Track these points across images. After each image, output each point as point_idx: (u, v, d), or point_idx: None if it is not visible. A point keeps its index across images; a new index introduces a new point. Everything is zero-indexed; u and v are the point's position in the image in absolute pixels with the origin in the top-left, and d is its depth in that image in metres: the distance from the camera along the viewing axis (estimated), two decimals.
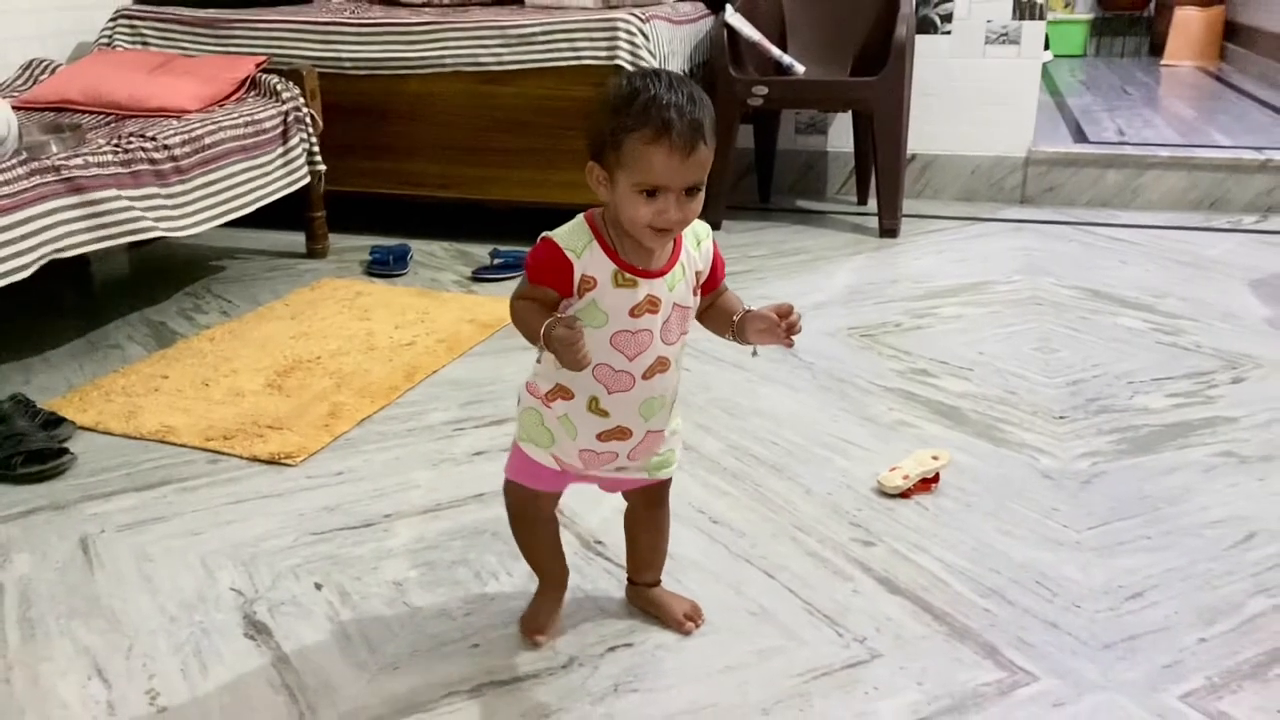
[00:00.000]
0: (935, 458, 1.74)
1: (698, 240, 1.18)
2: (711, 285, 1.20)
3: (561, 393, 1.18)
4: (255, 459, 1.82)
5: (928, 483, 1.71)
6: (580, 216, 1.14)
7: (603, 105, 1.08)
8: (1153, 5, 6.44)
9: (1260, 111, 4.35)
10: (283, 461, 1.80)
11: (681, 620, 1.35)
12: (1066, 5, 6.53)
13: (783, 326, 1.15)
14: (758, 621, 1.38)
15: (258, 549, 1.56)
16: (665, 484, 1.32)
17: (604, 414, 1.17)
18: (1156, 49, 6.25)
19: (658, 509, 1.34)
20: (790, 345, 1.16)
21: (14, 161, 2.03)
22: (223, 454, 1.84)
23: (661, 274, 1.13)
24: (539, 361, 1.20)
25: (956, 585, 1.46)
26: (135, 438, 1.90)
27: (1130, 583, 1.46)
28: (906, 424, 1.95)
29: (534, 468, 1.24)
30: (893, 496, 1.68)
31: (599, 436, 1.19)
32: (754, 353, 1.24)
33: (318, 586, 1.47)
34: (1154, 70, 5.80)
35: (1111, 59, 6.46)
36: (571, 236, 1.12)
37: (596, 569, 1.49)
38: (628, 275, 1.11)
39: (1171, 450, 1.84)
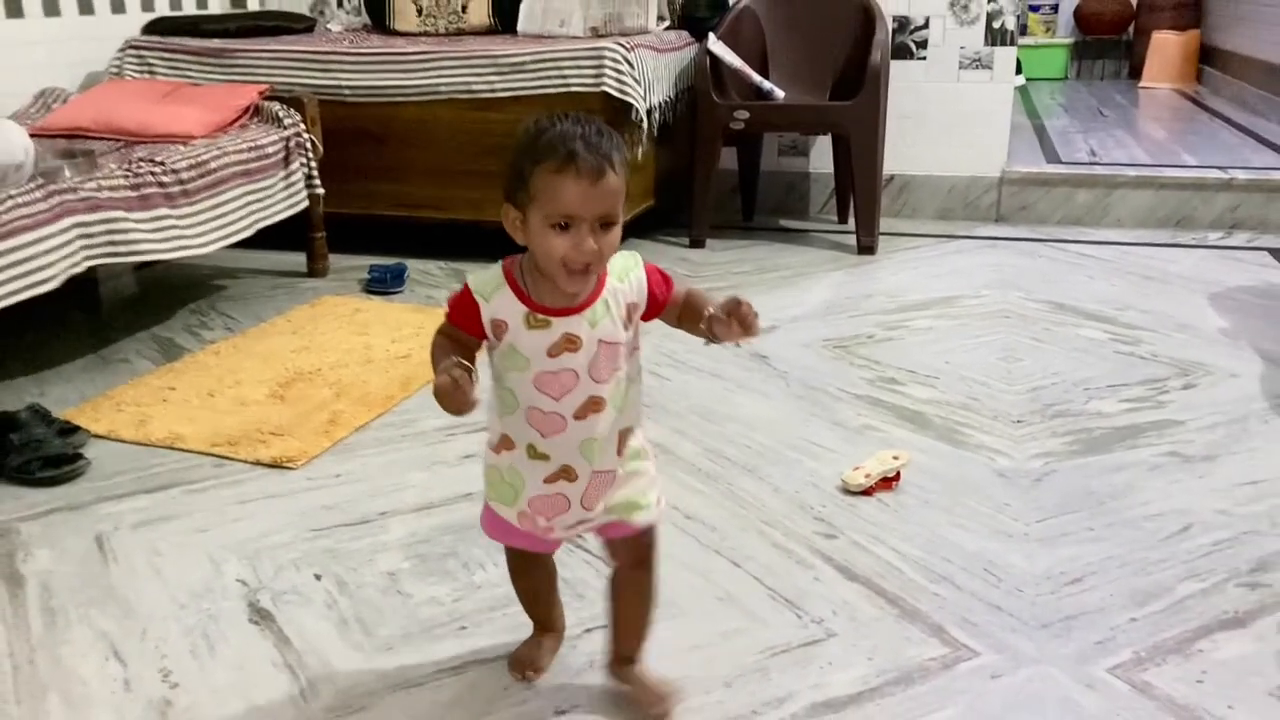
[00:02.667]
0: (896, 457, 1.86)
1: (625, 272, 1.15)
2: (656, 309, 1.18)
3: (506, 443, 1.18)
4: (259, 463, 1.93)
5: (889, 481, 1.83)
6: (499, 262, 1.14)
7: (514, 148, 1.08)
8: (1131, 29, 6.61)
9: (1229, 132, 4.50)
10: (285, 465, 1.92)
11: (655, 714, 1.28)
12: (1048, 29, 6.70)
13: (735, 326, 1.12)
14: (724, 605, 1.50)
15: (261, 544, 1.67)
16: (649, 540, 1.26)
17: (544, 457, 1.16)
18: (1135, 72, 6.41)
19: (646, 568, 1.28)
20: (754, 336, 1.14)
21: (31, 185, 2.15)
22: (228, 459, 1.95)
23: (579, 311, 1.12)
24: (491, 413, 1.20)
25: (910, 572, 1.57)
26: (145, 444, 2.02)
27: (1071, 569, 1.58)
28: (873, 428, 2.07)
29: (505, 526, 1.23)
30: (855, 494, 1.80)
31: (545, 480, 1.17)
32: (738, 344, 1.23)
33: (317, 577, 1.58)
34: (1131, 93, 5.96)
35: (1091, 82, 6.62)
36: (484, 281, 1.13)
37: (576, 559, 1.60)
38: (539, 316, 1.11)
39: (1120, 450, 1.96)
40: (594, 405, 1.14)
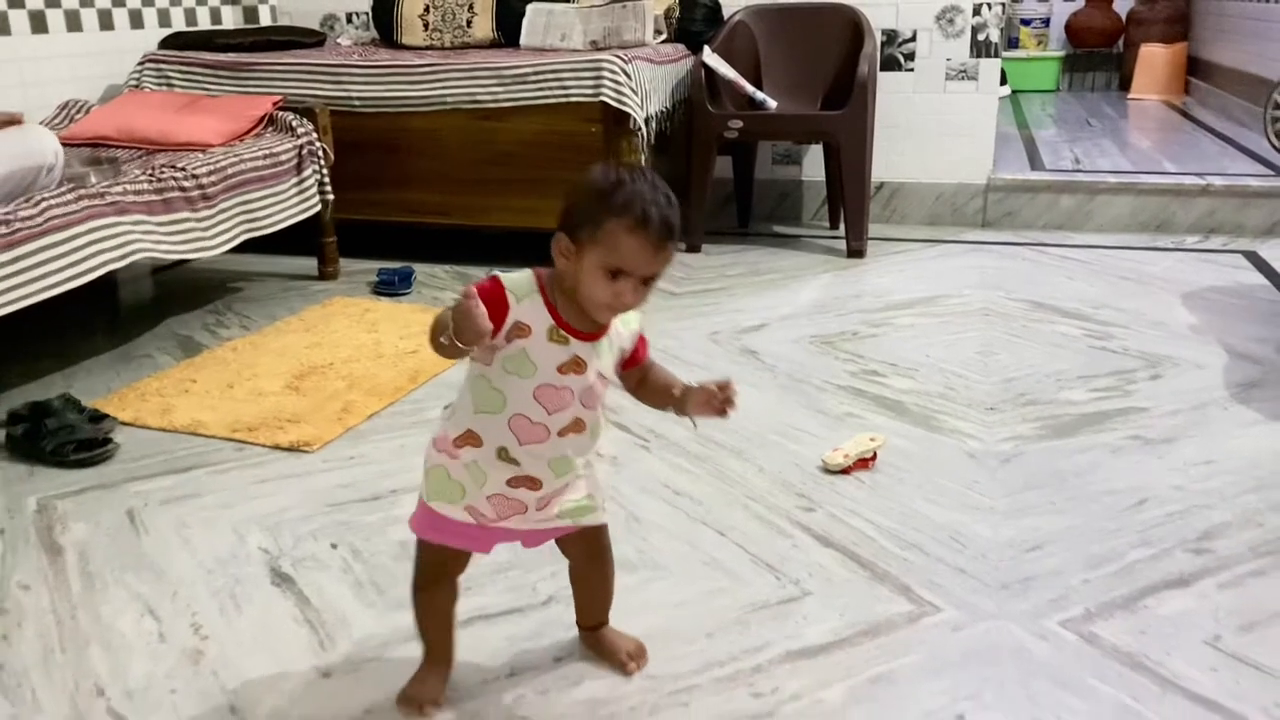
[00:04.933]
0: (873, 439, 1.98)
1: (628, 321, 1.23)
2: (633, 362, 1.26)
3: (470, 439, 1.21)
4: (277, 446, 2.06)
5: (866, 462, 1.95)
6: (529, 270, 1.19)
7: (587, 187, 1.14)
8: (1121, 43, 6.75)
9: (1211, 141, 4.63)
10: (301, 449, 2.05)
11: (624, 660, 1.39)
12: (1039, 43, 6.85)
13: (719, 398, 1.22)
14: (708, 569, 1.62)
15: (281, 518, 1.80)
16: (601, 535, 1.34)
17: (514, 462, 1.21)
18: (1125, 84, 6.55)
19: (600, 561, 1.37)
20: (726, 417, 1.23)
21: (62, 189, 2.29)
22: (248, 443, 2.08)
23: (593, 338, 1.19)
24: (447, 408, 1.26)
25: (882, 541, 1.70)
26: (170, 430, 2.15)
27: (1032, 538, 1.70)
28: (854, 415, 2.19)
29: (442, 523, 1.25)
30: (835, 473, 1.93)
31: (509, 482, 1.22)
32: (694, 425, 1.31)
33: (333, 546, 1.71)
34: (1121, 104, 6.09)
35: (1082, 93, 6.76)
36: (517, 282, 1.17)
37: None
38: (561, 332, 1.17)
39: (1086, 434, 2.09)
40: (576, 427, 1.21)
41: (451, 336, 1.10)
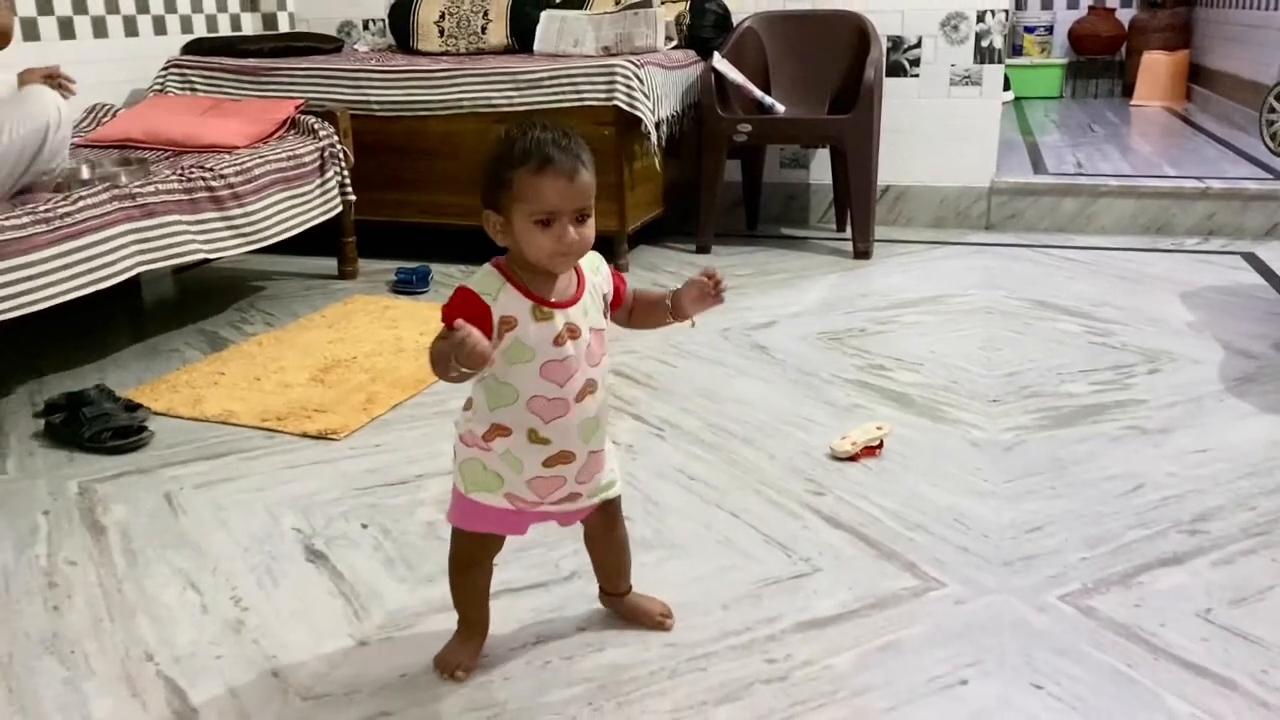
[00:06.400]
0: (880, 428, 2.06)
1: (596, 268, 1.29)
2: (619, 300, 1.32)
3: (499, 431, 1.25)
4: (305, 435, 2.14)
5: (873, 449, 2.03)
6: (488, 264, 1.23)
7: (490, 157, 1.19)
8: (1124, 50, 6.83)
9: (1211, 146, 4.70)
10: (329, 437, 2.13)
11: (659, 619, 1.47)
12: (1043, 50, 6.93)
13: (709, 286, 1.28)
14: (722, 547, 1.70)
15: (312, 501, 1.88)
16: (616, 506, 1.41)
17: (545, 441, 1.25)
18: (1128, 91, 6.63)
19: (615, 527, 1.43)
20: (721, 302, 1.30)
21: (99, 188, 2.37)
22: (277, 432, 2.16)
23: (574, 302, 1.24)
24: (466, 409, 1.30)
25: (888, 522, 1.77)
26: (201, 420, 2.23)
27: (1032, 520, 1.78)
28: (861, 406, 2.27)
29: (483, 511, 1.30)
30: (842, 459, 2.00)
31: (545, 463, 1.26)
32: (693, 324, 1.34)
33: (364, 526, 1.79)
34: (1123, 110, 6.17)
35: (1085, 100, 6.84)
36: (484, 282, 1.21)
37: None
38: (544, 309, 1.21)
39: (1085, 425, 2.16)
40: (590, 388, 1.26)
41: (459, 368, 1.15)
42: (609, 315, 1.32)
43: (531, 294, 1.21)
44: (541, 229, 1.17)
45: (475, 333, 1.13)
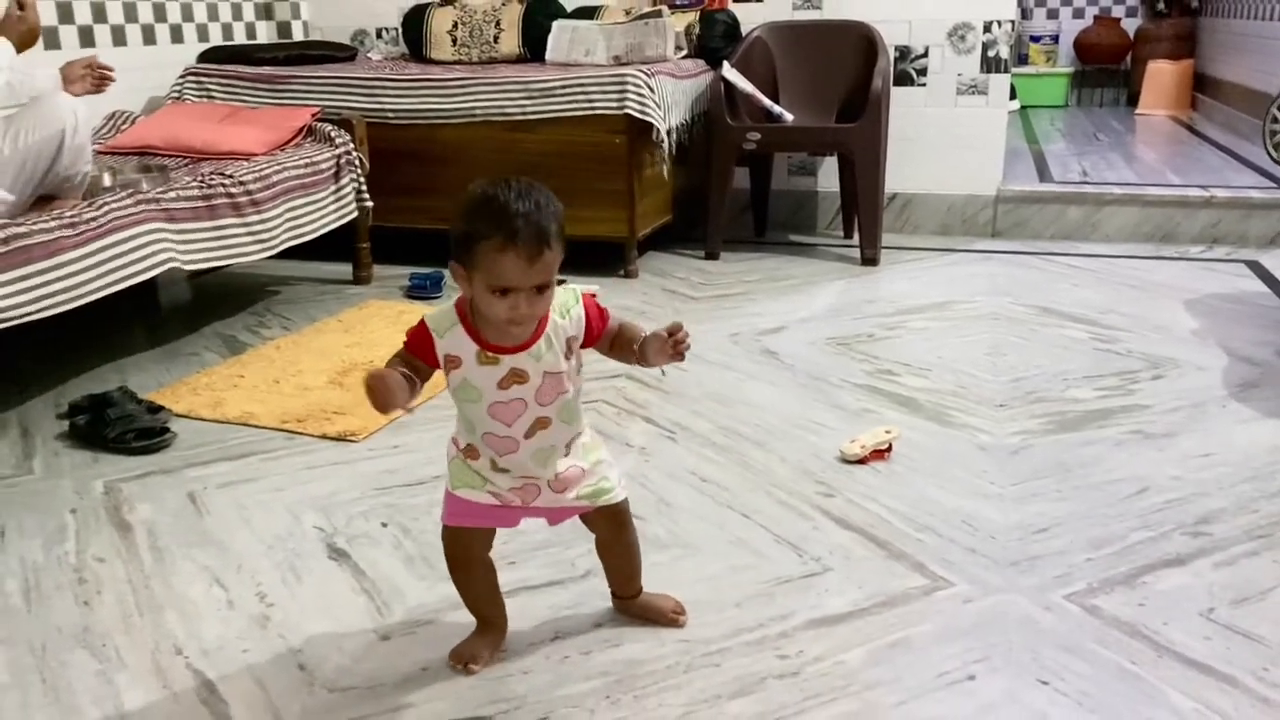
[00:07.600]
0: (889, 432, 2.10)
1: (566, 309, 1.28)
2: (591, 339, 1.32)
3: (471, 452, 1.33)
4: (325, 436, 2.19)
5: (882, 452, 2.06)
6: (452, 302, 1.27)
7: (460, 215, 1.18)
8: (1129, 59, 6.87)
9: (1215, 155, 4.74)
10: (348, 438, 2.17)
11: (672, 616, 1.51)
12: (1048, 59, 6.97)
13: (669, 344, 1.28)
14: (734, 547, 1.74)
15: (332, 500, 1.92)
16: (621, 509, 1.43)
17: (505, 471, 1.33)
18: (1133, 99, 6.66)
19: (623, 532, 1.46)
20: (681, 360, 1.30)
21: (122, 194, 2.42)
22: (297, 433, 2.21)
23: (525, 348, 1.25)
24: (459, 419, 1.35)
25: (897, 523, 1.81)
26: (222, 422, 2.27)
27: (1038, 522, 1.81)
28: (870, 411, 2.31)
29: (469, 507, 1.35)
30: (852, 462, 2.04)
31: (509, 487, 1.35)
32: (663, 373, 1.42)
33: (384, 525, 1.83)
34: (1128, 119, 6.21)
35: (1091, 109, 6.88)
36: (438, 319, 1.26)
37: None
38: (489, 354, 1.24)
39: (1091, 429, 2.20)
40: (541, 424, 1.30)
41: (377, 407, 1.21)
42: (574, 354, 1.31)
43: (480, 338, 1.24)
44: (499, 297, 1.18)
45: (382, 389, 1.19)
